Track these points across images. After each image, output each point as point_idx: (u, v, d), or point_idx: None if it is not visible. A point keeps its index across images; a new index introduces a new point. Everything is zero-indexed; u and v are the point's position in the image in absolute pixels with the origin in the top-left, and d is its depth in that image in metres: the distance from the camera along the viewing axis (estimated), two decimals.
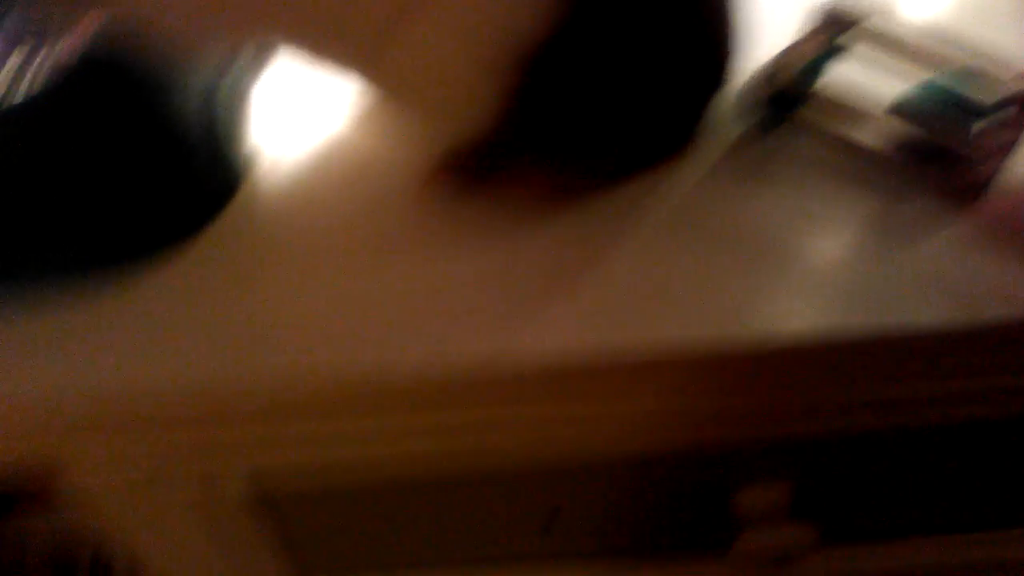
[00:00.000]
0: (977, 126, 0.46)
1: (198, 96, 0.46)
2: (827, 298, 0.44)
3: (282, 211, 0.50)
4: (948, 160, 0.47)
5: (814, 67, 0.51)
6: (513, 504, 0.63)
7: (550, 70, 0.40)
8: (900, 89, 0.50)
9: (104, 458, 0.50)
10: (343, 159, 0.53)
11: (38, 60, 0.44)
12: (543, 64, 0.40)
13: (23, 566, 1.02)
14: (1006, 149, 0.48)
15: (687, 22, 0.42)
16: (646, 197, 0.49)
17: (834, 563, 0.69)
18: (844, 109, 0.51)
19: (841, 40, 0.52)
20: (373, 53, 0.40)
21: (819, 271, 0.45)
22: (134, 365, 0.43)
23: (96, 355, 0.44)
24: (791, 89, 0.51)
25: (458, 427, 0.50)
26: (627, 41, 0.42)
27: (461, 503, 0.63)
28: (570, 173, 0.48)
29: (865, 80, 0.51)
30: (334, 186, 0.52)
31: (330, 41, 0.40)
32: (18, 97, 0.40)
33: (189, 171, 0.45)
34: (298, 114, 0.58)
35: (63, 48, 0.43)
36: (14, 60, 0.45)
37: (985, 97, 0.47)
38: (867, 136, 0.50)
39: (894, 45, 0.51)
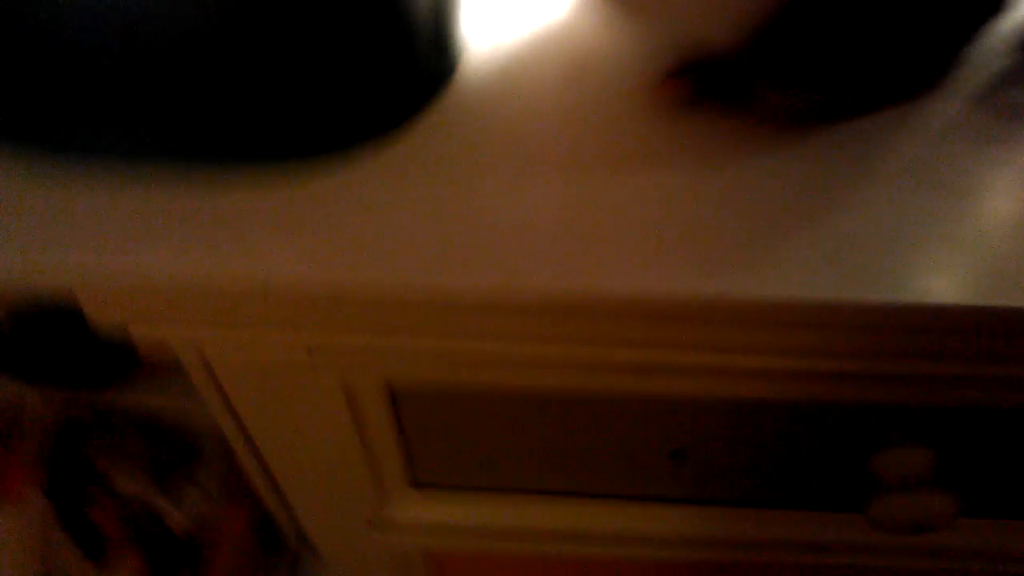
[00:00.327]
0: None
1: None
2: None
3: (493, 105, 0.47)
4: None
5: None
6: (641, 439, 0.62)
7: None
8: None
9: (248, 340, 0.49)
10: (561, 52, 0.49)
11: None
12: None
13: (113, 441, 1.03)
14: None
15: None
16: (888, 135, 0.46)
17: (971, 536, 0.67)
18: None
19: None
20: None
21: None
22: (312, 254, 0.41)
23: (279, 240, 0.42)
24: None
25: (618, 360, 0.49)
26: None
27: (588, 428, 0.62)
28: (810, 101, 0.44)
29: None
30: (549, 81, 0.49)
31: None
32: None
33: (411, 52, 0.43)
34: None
35: None
36: None
37: None
38: None
39: None
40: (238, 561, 1.03)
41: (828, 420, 0.59)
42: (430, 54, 0.44)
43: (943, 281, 0.41)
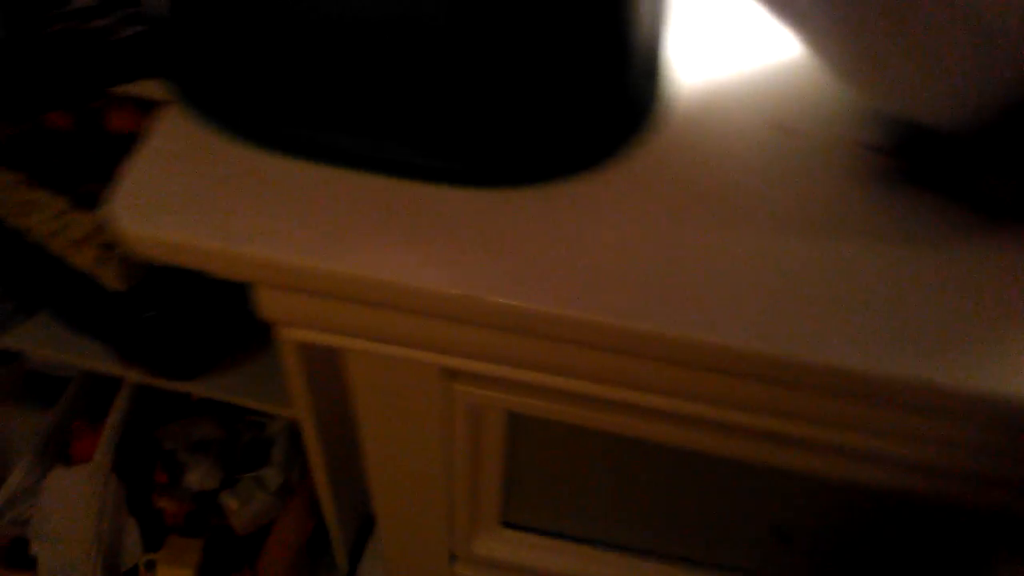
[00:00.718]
0: None
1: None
2: None
3: (697, 144, 0.46)
4: None
5: None
6: (746, 510, 0.61)
7: None
8: None
9: (396, 357, 0.49)
10: (771, 101, 0.49)
11: None
12: None
13: (190, 434, 1.04)
14: None
15: None
16: None
17: None
18: None
19: None
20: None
21: None
22: (519, 277, 0.41)
23: (483, 259, 0.41)
24: None
25: (763, 428, 0.48)
26: None
27: (696, 490, 0.61)
28: None
29: None
30: (755, 129, 0.47)
31: None
32: None
33: (623, 85, 0.42)
34: (722, 37, 0.53)
35: None
36: None
37: None
38: None
39: None
40: (289, 572, 1.03)
41: (954, 519, 0.57)
42: (640, 87, 0.44)
43: None
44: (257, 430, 1.05)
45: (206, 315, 0.80)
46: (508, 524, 0.70)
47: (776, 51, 0.52)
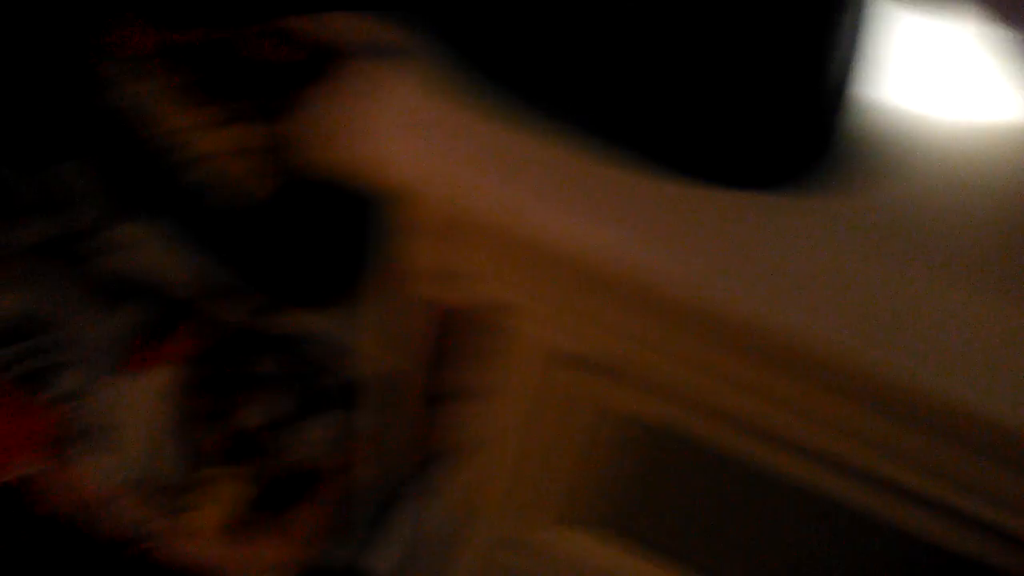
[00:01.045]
0: None
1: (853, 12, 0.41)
2: None
3: (902, 177, 0.45)
4: None
5: None
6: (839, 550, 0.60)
7: None
8: None
9: (560, 322, 0.48)
10: (981, 141, 0.47)
11: None
12: None
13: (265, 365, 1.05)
14: None
15: None
16: None
17: None
18: None
19: None
20: None
21: None
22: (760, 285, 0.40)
23: (711, 256, 0.41)
24: None
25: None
26: None
27: (790, 527, 0.60)
28: None
29: None
30: (957, 166, 0.46)
31: None
32: None
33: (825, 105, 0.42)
34: (927, 68, 0.51)
35: None
36: None
37: None
38: None
39: None
40: (325, 521, 1.03)
41: None
42: (837, 111, 0.44)
43: None
44: (322, 375, 1.06)
45: (327, 251, 0.81)
46: (570, 520, 0.69)
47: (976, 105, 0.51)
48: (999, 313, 0.42)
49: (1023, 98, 0.49)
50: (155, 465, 1.00)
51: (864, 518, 0.52)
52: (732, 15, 0.38)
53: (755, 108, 0.41)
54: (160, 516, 1.01)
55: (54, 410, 1.08)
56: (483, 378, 0.59)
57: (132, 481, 1.00)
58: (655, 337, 0.44)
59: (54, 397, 1.11)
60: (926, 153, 0.48)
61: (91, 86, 0.76)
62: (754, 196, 0.43)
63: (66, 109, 0.79)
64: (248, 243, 0.79)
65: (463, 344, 0.56)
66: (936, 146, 0.49)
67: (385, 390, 0.88)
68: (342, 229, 0.80)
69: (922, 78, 0.52)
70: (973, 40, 0.50)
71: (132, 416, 1.00)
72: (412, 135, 0.42)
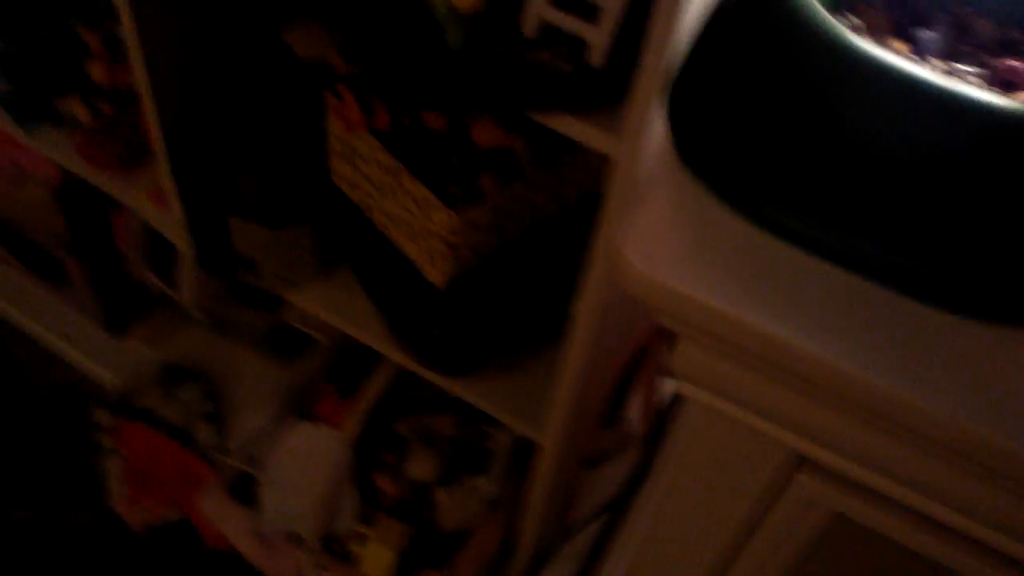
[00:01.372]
0: None
1: None
2: None
3: None
4: None
5: None
6: None
7: None
8: None
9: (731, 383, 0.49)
10: None
11: None
12: None
13: (426, 423, 1.09)
14: None
15: None
16: None
17: None
18: None
19: None
20: None
21: None
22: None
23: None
24: None
25: None
26: None
27: None
28: None
29: None
30: None
31: None
32: None
33: None
34: None
35: None
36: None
37: None
38: None
39: None
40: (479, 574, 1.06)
41: None
42: None
43: None
44: (484, 438, 1.09)
45: (495, 329, 0.84)
46: None
47: None
48: None
49: None
50: (329, 511, 1.05)
51: None
52: None
53: None
54: (329, 561, 1.06)
55: (227, 454, 1.15)
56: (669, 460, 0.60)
57: (306, 525, 1.05)
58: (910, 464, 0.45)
59: (223, 444, 1.18)
60: None
61: (319, 157, 0.82)
62: None
63: (296, 176, 0.86)
64: (423, 314, 0.83)
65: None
66: None
67: (542, 456, 0.90)
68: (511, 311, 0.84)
69: None
70: None
71: (311, 463, 1.05)
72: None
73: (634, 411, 1.11)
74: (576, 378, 0.80)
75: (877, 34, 0.49)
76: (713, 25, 0.49)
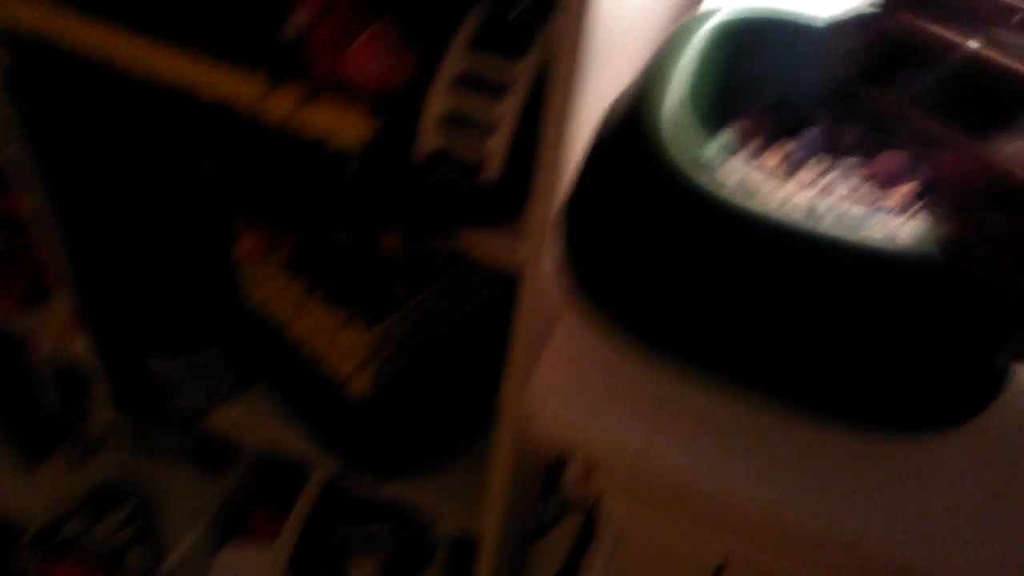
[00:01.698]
0: None
1: None
2: None
3: None
4: None
5: None
6: None
7: None
8: None
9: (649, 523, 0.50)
10: None
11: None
12: None
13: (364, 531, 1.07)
14: None
15: None
16: None
17: None
18: None
19: None
20: None
21: None
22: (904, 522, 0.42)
23: (872, 501, 0.43)
24: None
25: None
26: None
27: None
28: None
29: None
30: None
31: None
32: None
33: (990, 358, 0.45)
34: None
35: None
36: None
37: None
38: None
39: None
40: None
41: None
42: (1000, 364, 0.47)
43: None
44: (424, 534, 1.08)
45: (425, 432, 0.84)
46: None
47: None
48: None
49: None
50: None
51: None
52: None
53: (932, 372, 0.44)
54: None
55: None
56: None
57: None
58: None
59: (155, 568, 1.13)
60: None
61: (229, 282, 0.82)
62: (915, 442, 0.46)
63: (207, 301, 0.85)
64: (355, 425, 0.83)
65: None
66: None
67: (483, 544, 0.90)
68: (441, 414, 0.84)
69: None
70: None
71: None
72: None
73: (573, 472, 1.11)
74: (508, 464, 0.80)
75: (753, 145, 0.52)
76: (591, 158, 0.51)
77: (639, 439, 0.44)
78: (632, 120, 0.46)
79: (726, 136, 0.52)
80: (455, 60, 0.55)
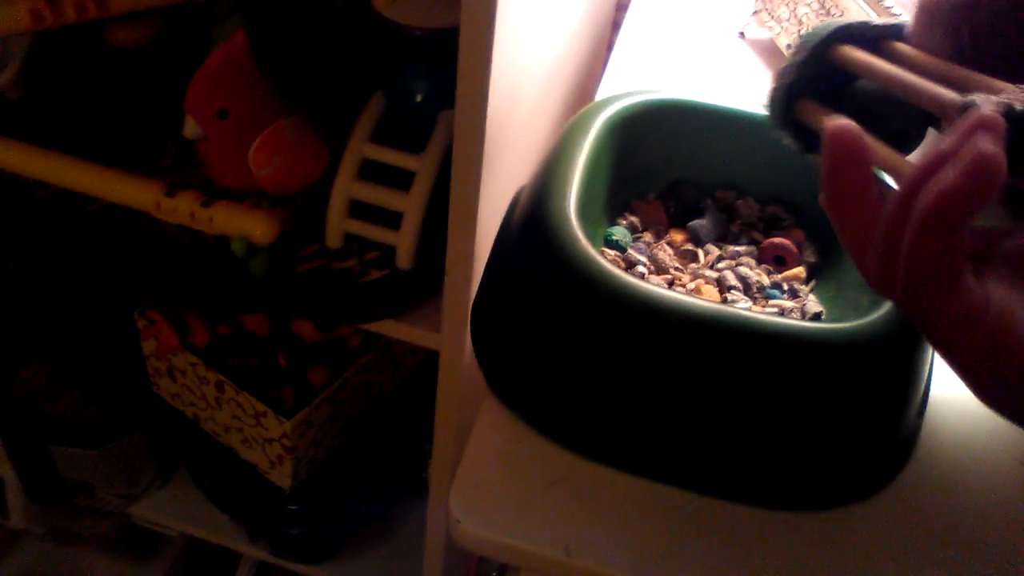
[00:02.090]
0: None
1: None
2: None
3: (948, 487, 0.47)
4: None
5: None
6: None
7: None
8: None
9: None
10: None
11: None
12: None
13: None
14: None
15: None
16: None
17: None
18: None
19: None
20: None
21: None
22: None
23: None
24: None
25: None
26: None
27: None
28: None
29: None
30: (1007, 466, 0.50)
31: None
32: None
33: (895, 433, 0.47)
34: None
35: None
36: None
37: None
38: None
39: None
40: None
41: None
42: (911, 428, 0.48)
43: None
44: None
45: (346, 516, 0.83)
46: None
47: None
48: None
49: None
50: None
51: None
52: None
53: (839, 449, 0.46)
54: None
55: None
56: None
57: None
58: None
59: None
60: (985, 442, 0.51)
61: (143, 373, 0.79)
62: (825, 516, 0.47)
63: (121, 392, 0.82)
64: (279, 513, 0.81)
65: None
66: (994, 433, 0.51)
67: None
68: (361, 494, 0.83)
69: None
70: None
71: None
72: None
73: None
74: (439, 555, 0.79)
75: (654, 229, 0.53)
76: (495, 250, 0.51)
77: (561, 542, 0.44)
78: (533, 215, 0.47)
79: (626, 222, 0.52)
80: (356, 152, 0.55)
